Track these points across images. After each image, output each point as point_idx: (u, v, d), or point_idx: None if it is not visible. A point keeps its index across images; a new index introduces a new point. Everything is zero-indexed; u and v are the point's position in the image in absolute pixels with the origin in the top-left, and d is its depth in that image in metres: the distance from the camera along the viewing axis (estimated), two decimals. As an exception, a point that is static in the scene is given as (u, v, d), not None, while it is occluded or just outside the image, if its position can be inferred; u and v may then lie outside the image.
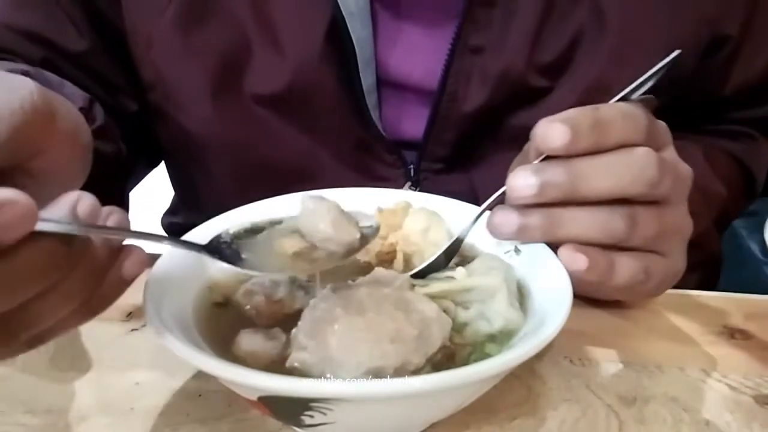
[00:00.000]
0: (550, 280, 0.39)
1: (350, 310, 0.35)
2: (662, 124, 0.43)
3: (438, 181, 0.60)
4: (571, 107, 0.38)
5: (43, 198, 0.28)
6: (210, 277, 0.42)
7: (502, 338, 0.38)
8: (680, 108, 0.55)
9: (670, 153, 0.43)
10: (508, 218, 0.40)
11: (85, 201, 0.30)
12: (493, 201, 0.42)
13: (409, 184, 0.61)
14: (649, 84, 0.41)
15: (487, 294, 0.39)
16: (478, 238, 0.45)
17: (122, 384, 0.42)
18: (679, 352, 0.46)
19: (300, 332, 0.36)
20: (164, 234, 0.75)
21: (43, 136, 0.34)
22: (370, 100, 0.58)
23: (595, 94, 0.47)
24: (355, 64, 0.55)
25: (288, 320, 0.39)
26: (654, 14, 0.55)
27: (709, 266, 0.64)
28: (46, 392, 0.42)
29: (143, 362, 0.44)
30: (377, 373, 0.33)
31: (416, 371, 0.34)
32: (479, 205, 0.44)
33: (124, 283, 0.33)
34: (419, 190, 0.60)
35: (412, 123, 0.61)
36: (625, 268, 0.41)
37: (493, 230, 0.41)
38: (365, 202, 0.48)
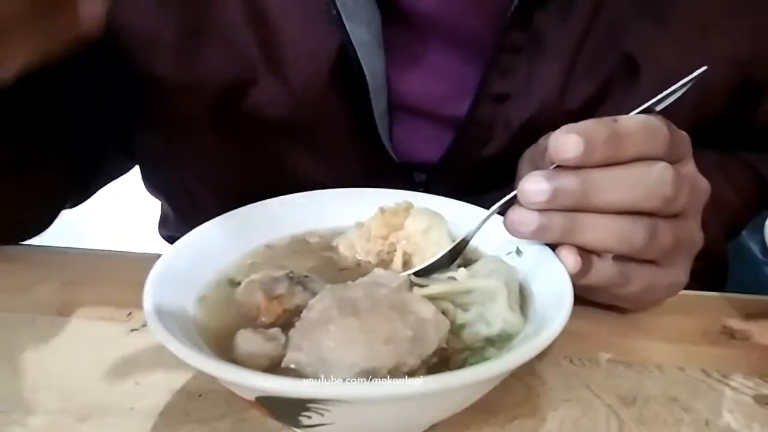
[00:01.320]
0: (551, 283, 0.39)
1: (345, 310, 0.35)
2: (683, 134, 0.42)
3: None
4: None
5: None
6: (211, 277, 0.43)
7: (501, 341, 0.38)
8: (708, 137, 0.54)
9: (689, 166, 0.42)
10: (528, 217, 0.39)
11: None
12: (502, 205, 0.42)
13: None
14: (675, 97, 0.41)
15: (488, 296, 0.39)
16: (482, 240, 0.45)
17: (122, 384, 0.42)
18: (679, 352, 0.46)
19: (296, 333, 0.36)
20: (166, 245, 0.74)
21: None
22: (381, 124, 0.56)
23: None
24: (366, 91, 0.53)
25: (288, 319, 0.39)
26: (687, 59, 0.51)
27: (714, 275, 0.63)
28: (46, 392, 0.42)
29: (143, 362, 0.44)
30: (371, 374, 0.33)
31: (411, 372, 0.34)
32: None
33: None
34: None
35: (425, 145, 0.59)
36: (603, 269, 0.40)
37: (511, 227, 0.40)
38: (367, 202, 0.48)
